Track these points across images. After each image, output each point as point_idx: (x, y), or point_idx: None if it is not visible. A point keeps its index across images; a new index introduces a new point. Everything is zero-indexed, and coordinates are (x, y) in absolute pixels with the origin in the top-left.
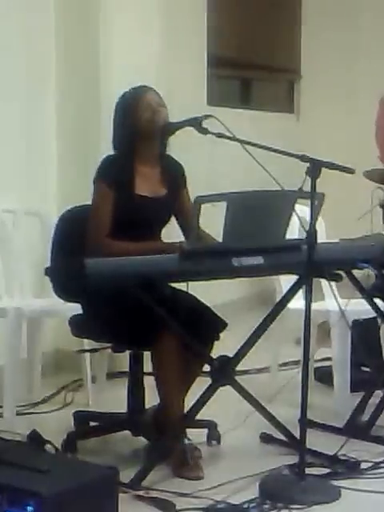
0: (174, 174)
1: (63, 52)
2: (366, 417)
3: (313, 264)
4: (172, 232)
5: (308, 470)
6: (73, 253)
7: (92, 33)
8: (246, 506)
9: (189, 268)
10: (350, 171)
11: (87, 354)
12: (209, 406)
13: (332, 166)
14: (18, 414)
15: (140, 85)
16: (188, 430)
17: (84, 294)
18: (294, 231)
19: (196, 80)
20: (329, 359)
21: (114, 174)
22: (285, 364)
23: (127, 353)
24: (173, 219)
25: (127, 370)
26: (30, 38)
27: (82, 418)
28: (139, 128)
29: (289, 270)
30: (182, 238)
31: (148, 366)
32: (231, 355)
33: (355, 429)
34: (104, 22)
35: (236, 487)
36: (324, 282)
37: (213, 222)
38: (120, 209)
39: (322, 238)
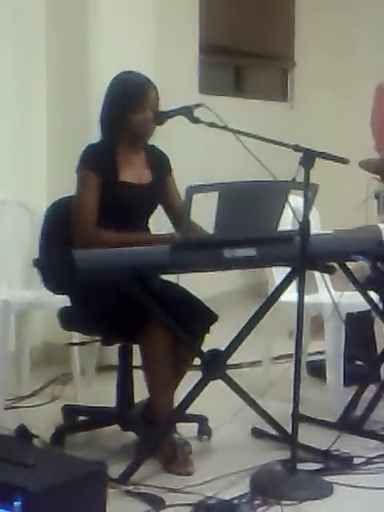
0: (159, 161)
1: (53, 42)
2: (359, 411)
3: (306, 256)
4: (165, 223)
5: (300, 466)
6: (61, 244)
7: (81, 22)
8: (236, 501)
9: (180, 260)
10: (345, 161)
11: (76, 348)
12: (199, 400)
13: (326, 156)
14: (5, 408)
15: (140, 75)
16: (178, 425)
17: (73, 286)
18: (287, 222)
19: (187, 68)
20: (322, 353)
21: (98, 161)
22: (277, 358)
23: (116, 346)
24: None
25: (116, 363)
26: (19, 29)
27: (70, 412)
28: (129, 128)
29: (282, 262)
30: (173, 229)
31: (137, 360)
32: (222, 348)
33: (348, 424)
34: (94, 9)
35: (227, 482)
36: (317, 274)
37: (204, 213)
38: (104, 196)
39: (315, 229)
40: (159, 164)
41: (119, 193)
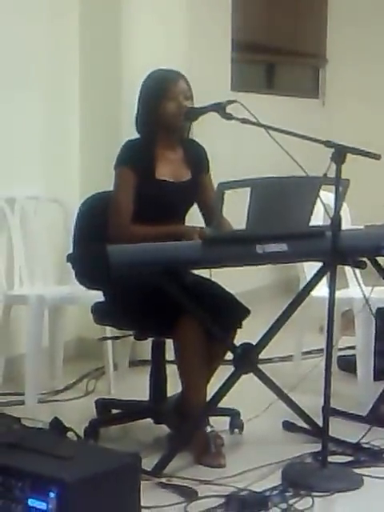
0: (197, 158)
1: (86, 40)
2: None
3: (337, 251)
4: (195, 219)
5: (331, 458)
6: (95, 239)
7: (115, 18)
8: (268, 493)
9: (212, 255)
10: (376, 157)
11: (109, 342)
12: (231, 393)
13: (357, 152)
14: (39, 402)
15: (170, 69)
16: (210, 418)
17: (106, 281)
18: (319, 218)
19: (220, 64)
20: (352, 348)
21: (136, 159)
22: (308, 352)
23: (149, 341)
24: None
25: (149, 358)
26: (53, 24)
27: (104, 405)
28: (162, 119)
29: (313, 257)
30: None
31: (170, 354)
32: (254, 343)
33: (378, 417)
34: (127, 6)
35: (258, 475)
36: (348, 270)
37: (235, 209)
38: (141, 193)
39: (346, 224)
40: (197, 161)
41: (155, 190)
